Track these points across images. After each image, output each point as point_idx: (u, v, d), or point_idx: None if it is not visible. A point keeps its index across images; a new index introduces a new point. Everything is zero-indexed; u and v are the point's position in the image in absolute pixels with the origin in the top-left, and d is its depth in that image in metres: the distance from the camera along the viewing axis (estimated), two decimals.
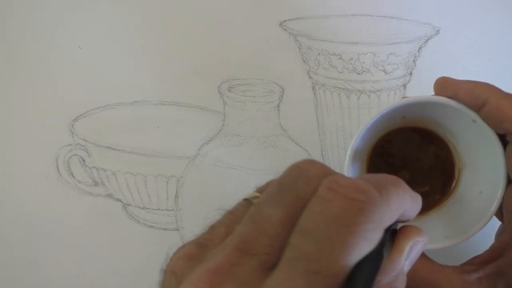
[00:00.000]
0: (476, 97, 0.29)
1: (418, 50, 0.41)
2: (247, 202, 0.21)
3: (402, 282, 0.19)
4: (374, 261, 0.17)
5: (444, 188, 0.35)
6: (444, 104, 0.30)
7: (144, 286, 0.40)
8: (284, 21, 0.42)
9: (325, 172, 0.19)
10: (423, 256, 0.30)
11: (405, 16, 0.42)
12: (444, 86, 0.30)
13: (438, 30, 0.41)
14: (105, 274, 0.40)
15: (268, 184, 0.22)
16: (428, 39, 0.41)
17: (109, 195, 0.41)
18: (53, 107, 0.42)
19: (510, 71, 0.41)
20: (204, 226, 0.21)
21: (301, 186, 0.18)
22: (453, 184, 0.34)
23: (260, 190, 0.22)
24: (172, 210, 0.41)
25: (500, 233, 0.31)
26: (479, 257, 0.29)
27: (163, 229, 0.41)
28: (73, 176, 0.41)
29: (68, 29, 0.43)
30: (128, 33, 0.43)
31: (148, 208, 0.41)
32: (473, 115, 0.29)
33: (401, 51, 0.41)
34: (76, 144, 0.42)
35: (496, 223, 0.31)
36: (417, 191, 0.33)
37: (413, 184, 0.36)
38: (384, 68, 0.41)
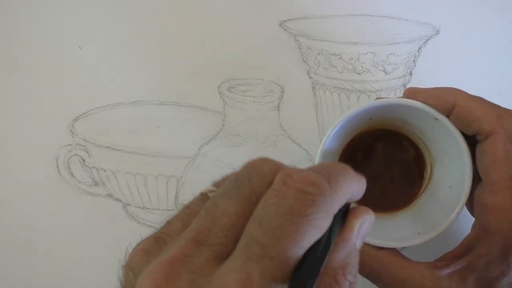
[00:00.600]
0: (445, 101, 0.30)
1: (418, 50, 0.41)
2: (204, 196, 0.22)
3: (355, 257, 0.21)
4: (324, 244, 0.19)
5: (415, 186, 0.36)
6: (407, 105, 0.31)
7: None
8: (284, 21, 0.42)
9: (278, 168, 0.20)
10: (397, 253, 0.31)
11: (405, 16, 0.42)
12: (413, 94, 0.31)
13: (438, 30, 0.41)
14: (105, 274, 0.40)
15: (224, 179, 0.23)
16: (428, 39, 0.41)
17: (109, 195, 0.41)
18: (53, 107, 0.42)
19: (510, 71, 0.41)
20: (161, 221, 0.21)
21: (255, 181, 0.20)
22: (424, 181, 0.35)
23: (217, 184, 0.23)
24: (172, 210, 0.41)
25: (472, 228, 0.32)
26: (450, 253, 0.30)
27: None
28: (73, 176, 0.41)
29: (68, 29, 0.43)
30: (128, 33, 0.43)
31: (148, 208, 0.41)
32: (434, 113, 0.30)
33: (401, 51, 0.41)
34: (76, 144, 0.42)
35: (471, 219, 0.32)
36: (389, 190, 0.34)
37: (385, 184, 0.36)
38: (384, 68, 0.41)
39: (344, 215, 0.21)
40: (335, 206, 0.19)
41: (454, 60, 0.41)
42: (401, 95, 0.41)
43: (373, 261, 0.31)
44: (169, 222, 0.21)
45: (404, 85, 0.41)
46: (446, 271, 0.29)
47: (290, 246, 0.17)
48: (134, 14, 0.43)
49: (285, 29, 0.42)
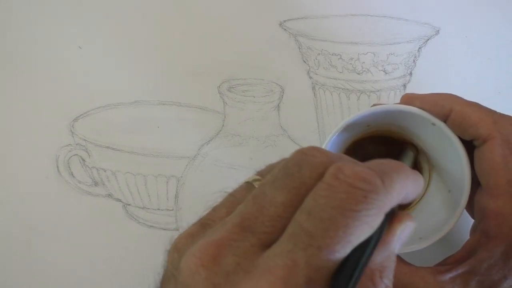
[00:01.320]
0: (442, 107, 0.30)
1: (418, 50, 0.41)
2: (248, 185, 0.22)
3: (392, 262, 0.20)
4: (371, 243, 0.19)
5: None
6: (404, 111, 0.31)
7: (144, 286, 0.40)
8: (284, 21, 0.42)
9: (330, 160, 0.20)
10: (399, 259, 0.31)
11: (405, 16, 0.42)
12: (411, 100, 0.31)
13: (438, 30, 0.41)
14: (105, 274, 0.40)
15: (269, 167, 0.23)
16: (428, 39, 0.41)
17: (109, 195, 0.41)
18: (53, 107, 0.42)
19: (510, 71, 0.41)
20: (207, 208, 0.21)
21: (306, 172, 0.19)
22: (424, 186, 0.35)
23: (261, 173, 0.22)
24: (172, 210, 0.41)
25: (473, 231, 0.32)
26: (452, 257, 0.30)
27: (163, 229, 0.41)
28: (73, 176, 0.41)
29: (68, 29, 0.43)
30: (128, 33, 0.43)
31: (148, 208, 0.41)
32: (431, 118, 0.30)
33: (401, 51, 0.41)
34: (76, 144, 0.42)
35: (471, 222, 0.32)
36: None
37: None
38: (384, 68, 0.41)
39: (387, 217, 0.21)
40: (387, 204, 0.19)
41: (454, 60, 0.41)
42: (402, 95, 0.41)
43: (374, 262, 0.31)
44: (214, 209, 0.21)
45: (404, 85, 0.41)
46: (448, 276, 0.29)
47: (338, 239, 0.17)
48: (134, 14, 0.43)
49: (285, 29, 0.42)
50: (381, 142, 0.36)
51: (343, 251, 0.17)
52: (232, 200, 0.21)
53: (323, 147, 0.31)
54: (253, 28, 0.42)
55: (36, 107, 0.42)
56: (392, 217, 0.21)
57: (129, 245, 0.41)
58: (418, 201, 0.35)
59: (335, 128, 0.31)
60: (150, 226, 0.41)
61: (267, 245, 0.18)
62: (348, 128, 0.32)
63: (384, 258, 0.20)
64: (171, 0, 0.43)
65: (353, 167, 0.19)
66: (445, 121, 0.31)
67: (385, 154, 0.36)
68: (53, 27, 0.43)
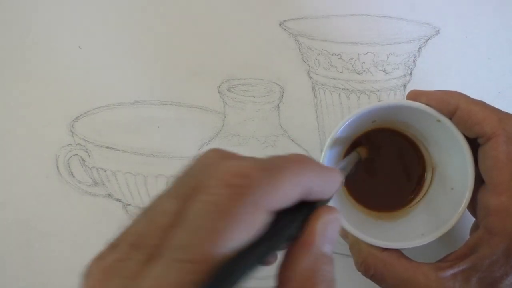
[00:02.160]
0: (448, 104, 0.30)
1: (418, 50, 0.41)
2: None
3: (325, 264, 0.19)
4: (264, 242, 0.17)
5: (417, 187, 0.36)
6: (409, 107, 0.31)
7: None
8: (284, 21, 0.42)
9: (222, 158, 0.19)
10: (400, 254, 0.31)
11: (405, 16, 0.42)
12: (417, 96, 0.32)
13: (438, 30, 0.41)
14: None
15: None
16: (428, 39, 0.41)
17: (109, 195, 0.41)
18: (53, 107, 0.42)
19: (510, 71, 0.41)
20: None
21: (197, 175, 0.18)
22: (426, 183, 0.36)
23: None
24: None
25: (474, 229, 0.32)
26: (454, 253, 0.30)
27: None
28: (73, 176, 0.41)
29: (68, 29, 0.43)
30: (128, 33, 0.43)
31: None
32: (437, 115, 0.31)
33: (401, 51, 0.41)
34: (76, 144, 0.42)
35: (471, 220, 0.32)
36: (391, 191, 0.34)
37: (388, 186, 0.36)
38: (384, 68, 0.41)
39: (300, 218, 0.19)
40: (271, 201, 0.17)
41: (454, 60, 0.41)
42: (401, 95, 0.41)
43: (377, 262, 0.31)
44: (125, 227, 0.20)
45: (404, 85, 0.41)
46: (450, 272, 0.29)
47: (213, 247, 0.16)
48: (134, 14, 0.43)
49: (285, 29, 0.42)
50: (385, 139, 0.36)
51: (217, 256, 0.16)
52: (148, 214, 0.20)
53: (327, 143, 0.31)
54: (253, 28, 0.42)
55: (36, 107, 0.42)
56: (311, 214, 0.20)
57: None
58: (421, 198, 0.35)
59: (339, 123, 0.31)
60: None
61: (155, 259, 0.17)
62: (352, 124, 0.32)
63: (312, 262, 0.19)
64: (171, 0, 0.43)
65: (233, 163, 0.18)
66: (450, 118, 0.31)
67: (388, 150, 0.37)
68: (53, 27, 0.43)
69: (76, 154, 0.41)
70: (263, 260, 0.17)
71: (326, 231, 0.19)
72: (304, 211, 0.19)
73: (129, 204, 0.41)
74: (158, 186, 0.41)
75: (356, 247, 0.32)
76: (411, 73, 0.41)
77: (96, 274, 0.17)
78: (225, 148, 0.20)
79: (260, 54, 0.42)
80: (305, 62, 0.42)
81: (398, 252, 0.31)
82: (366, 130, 0.36)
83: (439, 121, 0.31)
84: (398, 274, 0.30)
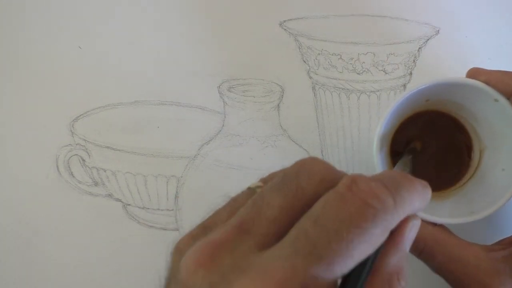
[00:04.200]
0: (507, 85, 0.30)
1: (418, 50, 0.41)
2: (250, 191, 0.22)
3: (406, 262, 0.21)
4: (372, 258, 0.19)
5: (465, 168, 0.37)
6: (468, 84, 0.31)
7: (144, 286, 0.40)
8: (284, 21, 0.42)
9: (327, 169, 0.20)
10: (451, 232, 0.32)
11: (405, 16, 0.42)
12: (476, 75, 0.32)
13: (438, 30, 0.41)
14: (105, 274, 0.40)
15: (272, 175, 0.23)
16: (428, 39, 0.41)
17: (109, 195, 0.41)
18: (53, 107, 0.42)
19: (510, 71, 0.41)
20: (209, 211, 0.22)
21: (303, 178, 0.20)
22: (474, 164, 0.36)
23: (264, 180, 0.23)
24: (172, 210, 0.41)
25: None
26: (508, 238, 0.31)
27: (163, 229, 0.41)
28: (73, 176, 0.41)
29: (68, 29, 0.43)
30: (128, 33, 0.43)
31: (148, 208, 0.41)
32: (495, 94, 0.31)
33: (401, 51, 0.41)
34: (76, 144, 0.42)
35: None
36: (440, 170, 0.35)
37: (437, 165, 0.37)
38: (384, 68, 0.41)
39: None
40: (393, 224, 0.19)
41: (454, 60, 0.41)
42: (401, 95, 0.41)
43: (428, 238, 0.31)
44: (216, 212, 0.22)
45: (404, 85, 0.41)
46: (501, 254, 0.29)
47: (340, 252, 0.17)
48: (133, 14, 0.43)
49: (285, 29, 0.42)
50: (434, 119, 0.37)
51: (343, 264, 0.17)
52: (233, 204, 0.22)
53: (382, 122, 0.31)
54: (253, 28, 0.42)
55: (36, 107, 0.42)
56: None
57: (129, 245, 0.41)
58: (469, 179, 0.36)
59: (394, 101, 0.31)
60: (150, 226, 0.41)
61: (263, 247, 0.18)
62: (407, 101, 0.32)
63: (398, 259, 0.20)
64: (170, 0, 0.43)
65: (368, 182, 0.19)
66: (508, 99, 0.31)
67: (438, 130, 0.37)
68: (53, 27, 0.43)
69: (76, 154, 0.41)
70: (369, 273, 0.19)
71: (411, 233, 0.21)
72: None
73: (129, 204, 0.41)
74: (158, 186, 0.41)
75: None
76: (411, 73, 0.41)
77: (204, 250, 0.18)
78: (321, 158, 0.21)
79: (260, 54, 0.42)
80: (305, 62, 0.42)
81: (448, 230, 0.32)
82: (418, 110, 0.36)
83: (496, 100, 0.31)
84: (449, 251, 0.30)
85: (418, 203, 0.21)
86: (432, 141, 0.37)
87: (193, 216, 0.41)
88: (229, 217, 0.20)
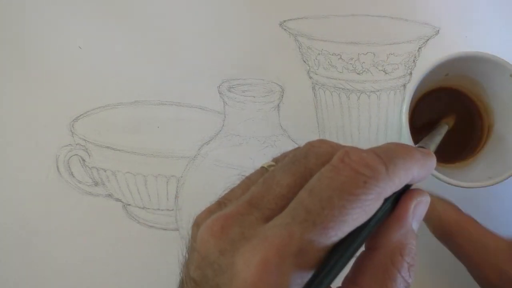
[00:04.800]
0: None
1: (418, 50, 0.41)
2: (263, 170, 0.24)
3: (412, 239, 0.21)
4: (370, 225, 0.20)
5: (480, 140, 0.39)
6: (486, 58, 0.33)
7: (144, 286, 0.40)
8: (284, 21, 0.42)
9: (334, 149, 0.22)
10: (476, 221, 0.33)
11: (405, 16, 0.42)
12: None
13: (438, 30, 0.41)
14: (105, 274, 0.40)
15: (283, 155, 0.24)
16: (428, 39, 0.41)
17: (109, 195, 0.41)
18: (53, 107, 0.42)
19: None
20: (226, 189, 0.24)
21: (311, 159, 0.21)
22: (485, 137, 0.39)
23: (276, 160, 0.24)
24: (172, 210, 0.41)
25: None
26: None
27: (163, 229, 0.41)
28: (73, 176, 0.41)
29: (68, 29, 0.43)
30: (128, 33, 0.43)
31: (148, 208, 0.41)
32: (511, 68, 0.33)
33: (401, 51, 0.41)
34: (76, 144, 0.42)
35: None
36: (457, 141, 0.37)
37: (453, 136, 0.38)
38: (384, 68, 0.41)
39: (399, 196, 0.22)
40: (387, 191, 0.20)
41: None
42: (401, 95, 0.41)
43: (451, 221, 0.32)
44: (231, 190, 0.23)
45: (404, 85, 0.41)
46: None
47: (333, 218, 0.18)
48: (134, 14, 0.43)
49: (285, 29, 0.42)
50: (449, 94, 0.39)
51: (337, 229, 0.19)
52: (247, 182, 0.23)
53: (414, 85, 0.33)
54: (253, 28, 0.42)
55: (36, 107, 0.42)
56: (405, 194, 0.22)
57: (129, 245, 0.41)
58: (482, 148, 0.39)
59: (421, 73, 0.33)
60: (150, 226, 0.41)
61: (269, 219, 0.20)
62: (431, 73, 0.34)
63: (402, 235, 0.21)
64: (170, 0, 0.43)
65: (360, 152, 0.20)
66: None
67: (455, 104, 0.39)
68: (53, 27, 0.43)
69: (76, 154, 0.41)
70: (364, 240, 0.20)
71: (417, 210, 0.22)
72: (398, 191, 0.22)
73: (129, 204, 0.41)
74: (158, 186, 0.41)
75: (431, 207, 0.34)
76: (411, 73, 0.41)
77: (216, 222, 0.20)
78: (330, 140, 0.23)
79: (260, 54, 0.42)
80: (305, 62, 0.42)
81: (473, 218, 0.33)
82: (435, 85, 0.38)
83: None
84: (469, 233, 0.31)
85: (418, 171, 0.21)
86: (450, 115, 0.39)
87: (193, 216, 0.41)
88: (243, 194, 0.22)
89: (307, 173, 0.21)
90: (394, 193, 0.21)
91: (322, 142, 0.22)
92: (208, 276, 0.19)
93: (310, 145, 0.22)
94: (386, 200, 0.21)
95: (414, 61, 0.41)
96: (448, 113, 0.39)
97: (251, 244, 0.18)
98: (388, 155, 0.20)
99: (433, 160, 0.23)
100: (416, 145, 0.30)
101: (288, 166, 0.21)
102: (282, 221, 0.19)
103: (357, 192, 0.19)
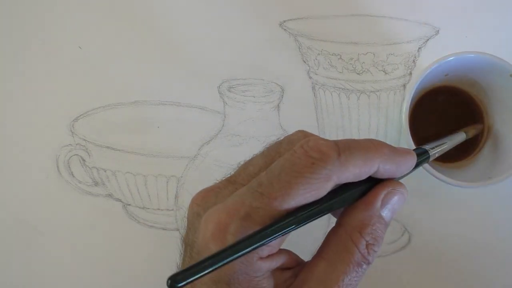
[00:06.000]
0: None
1: (418, 50, 0.41)
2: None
3: (378, 224, 0.24)
4: (322, 203, 0.22)
5: (479, 140, 0.40)
6: (486, 58, 0.34)
7: (144, 286, 0.40)
8: (284, 21, 0.42)
9: (305, 137, 0.24)
10: None
11: (405, 16, 0.42)
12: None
13: (438, 30, 0.41)
14: (105, 274, 0.40)
15: (270, 143, 0.28)
16: (428, 39, 0.41)
17: (109, 195, 0.41)
18: (53, 107, 0.42)
19: None
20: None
21: (283, 145, 0.25)
22: (485, 138, 0.39)
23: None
24: (172, 210, 0.41)
25: None
26: None
27: (163, 229, 0.41)
28: (73, 176, 0.41)
29: (68, 29, 0.43)
30: (128, 33, 0.43)
31: (148, 208, 0.41)
32: (511, 68, 0.34)
33: (401, 51, 0.41)
34: (76, 144, 0.42)
35: None
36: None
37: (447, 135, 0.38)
38: (384, 68, 0.41)
39: (374, 185, 0.24)
40: (338, 175, 0.22)
41: None
42: (401, 95, 0.41)
43: None
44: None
45: (404, 85, 0.41)
46: None
47: (279, 191, 0.21)
48: (134, 14, 0.43)
49: (285, 29, 0.42)
50: (448, 94, 0.40)
51: (281, 200, 0.21)
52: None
53: (415, 84, 0.34)
54: (253, 28, 0.42)
55: (36, 107, 0.42)
56: (379, 183, 0.24)
57: (129, 245, 0.41)
58: (480, 149, 0.39)
59: (421, 73, 0.34)
60: (150, 226, 0.41)
61: None
62: (431, 74, 0.34)
63: (366, 216, 0.23)
64: (171, 0, 0.43)
65: (317, 140, 0.23)
66: None
67: (454, 105, 0.40)
68: (53, 27, 0.43)
69: (76, 154, 0.41)
70: (317, 216, 0.22)
71: (389, 198, 0.24)
72: (371, 183, 0.24)
73: (129, 204, 0.41)
74: (158, 186, 0.41)
75: None
76: (411, 73, 0.41)
77: (199, 195, 0.25)
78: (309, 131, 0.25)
79: (260, 54, 0.42)
80: (305, 62, 0.42)
81: None
82: (435, 86, 0.38)
83: (511, 75, 0.34)
84: None
85: (383, 164, 0.23)
86: (450, 115, 0.40)
87: None
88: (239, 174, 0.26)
89: (276, 156, 0.24)
90: (365, 182, 0.23)
91: (299, 131, 0.25)
92: (189, 235, 0.24)
93: (290, 134, 0.25)
94: (349, 186, 0.23)
95: (414, 61, 0.41)
96: (471, 124, 0.39)
97: (214, 208, 0.22)
98: (346, 145, 0.22)
99: (410, 157, 0.25)
100: (423, 146, 0.30)
101: (264, 152, 0.25)
102: (240, 192, 0.23)
103: (303, 171, 0.21)
